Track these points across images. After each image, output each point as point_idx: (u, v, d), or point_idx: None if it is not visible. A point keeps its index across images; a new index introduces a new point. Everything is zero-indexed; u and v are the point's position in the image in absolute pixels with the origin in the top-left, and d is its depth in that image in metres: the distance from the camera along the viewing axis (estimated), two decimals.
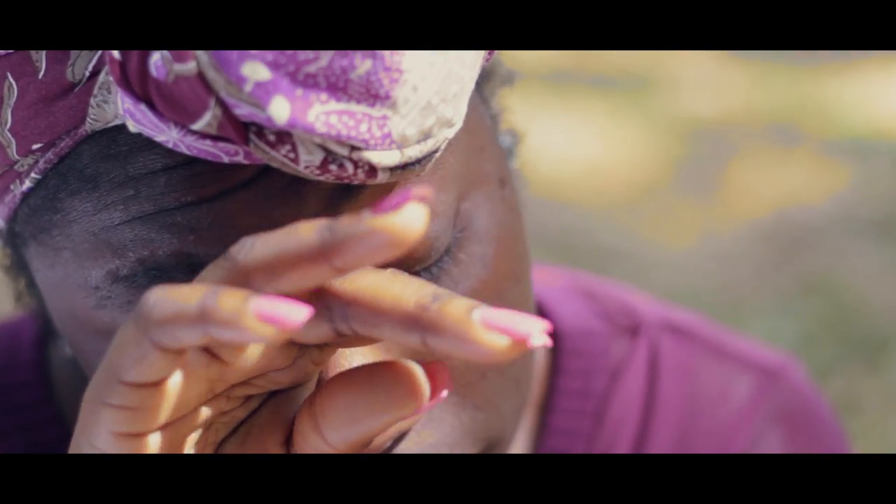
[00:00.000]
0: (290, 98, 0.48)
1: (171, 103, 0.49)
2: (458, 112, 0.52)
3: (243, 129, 0.49)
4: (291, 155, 0.50)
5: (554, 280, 0.81)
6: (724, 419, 0.76)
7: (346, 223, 0.45)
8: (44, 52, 0.52)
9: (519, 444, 0.74)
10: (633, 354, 0.77)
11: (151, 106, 0.49)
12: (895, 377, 2.36)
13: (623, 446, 0.75)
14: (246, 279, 0.47)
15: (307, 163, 0.50)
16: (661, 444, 0.75)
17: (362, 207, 0.54)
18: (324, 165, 0.50)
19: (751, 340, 0.82)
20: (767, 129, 3.12)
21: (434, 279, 0.56)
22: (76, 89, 0.52)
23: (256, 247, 0.47)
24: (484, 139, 0.59)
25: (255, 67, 0.48)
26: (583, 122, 3.14)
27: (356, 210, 0.53)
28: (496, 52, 0.56)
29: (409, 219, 0.44)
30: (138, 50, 0.49)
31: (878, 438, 2.21)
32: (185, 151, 0.51)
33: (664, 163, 3.00)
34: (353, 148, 0.50)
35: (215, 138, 0.50)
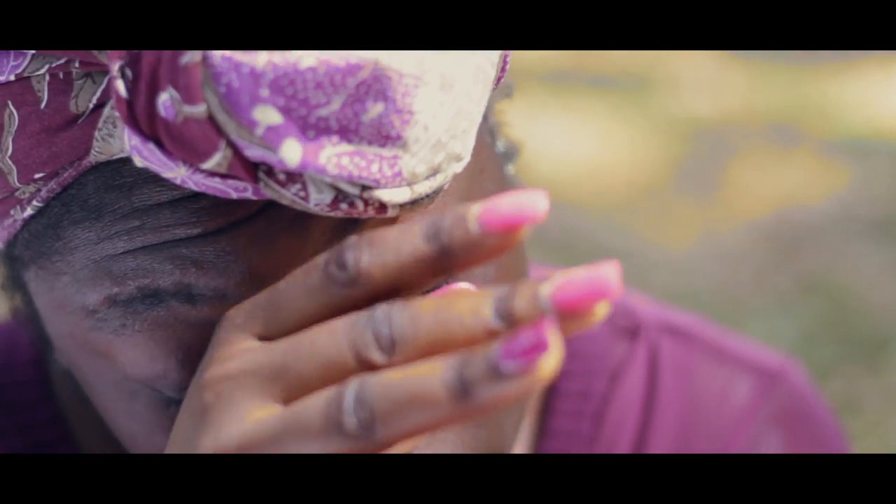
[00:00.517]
0: (302, 141, 0.48)
1: (181, 143, 0.48)
2: (466, 147, 0.52)
3: (253, 169, 0.49)
4: (302, 194, 0.49)
5: None
6: (724, 421, 0.76)
7: (452, 226, 0.48)
8: (46, 83, 0.51)
9: (519, 446, 0.74)
10: (633, 356, 0.77)
11: (160, 144, 0.49)
12: (895, 377, 2.36)
13: (623, 448, 0.75)
14: (360, 298, 0.49)
15: (317, 201, 0.50)
16: (661, 445, 0.75)
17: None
18: (334, 203, 0.50)
19: (750, 341, 0.82)
20: (767, 129, 3.12)
21: None
22: (80, 121, 0.52)
23: (363, 263, 0.49)
24: (484, 159, 0.58)
25: (267, 111, 0.47)
26: (583, 122, 3.14)
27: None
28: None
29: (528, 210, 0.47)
30: (144, 86, 0.48)
31: (878, 438, 2.21)
32: (193, 188, 0.50)
33: (664, 163, 3.00)
34: (364, 187, 0.50)
35: (224, 176, 0.49)
